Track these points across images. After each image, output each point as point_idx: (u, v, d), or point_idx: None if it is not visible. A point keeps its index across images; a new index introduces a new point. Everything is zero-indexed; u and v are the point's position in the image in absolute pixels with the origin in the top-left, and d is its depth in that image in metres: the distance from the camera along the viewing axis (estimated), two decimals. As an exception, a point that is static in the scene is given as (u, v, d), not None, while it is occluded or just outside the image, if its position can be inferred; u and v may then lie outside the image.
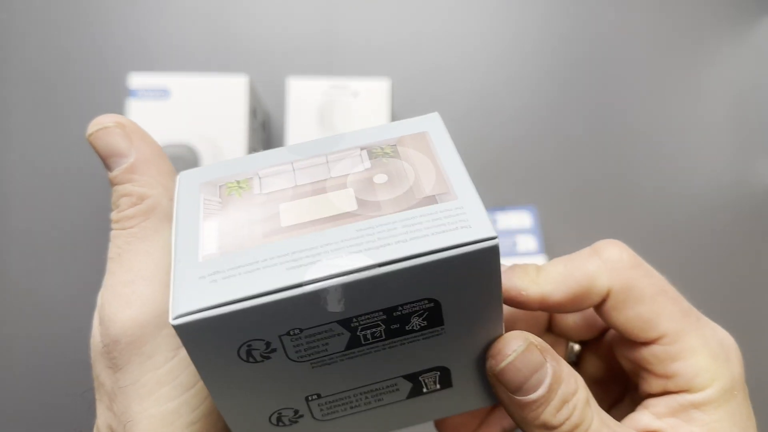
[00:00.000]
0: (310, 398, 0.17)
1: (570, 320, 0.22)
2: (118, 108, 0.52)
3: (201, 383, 0.18)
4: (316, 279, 0.14)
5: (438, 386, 0.18)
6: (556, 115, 0.54)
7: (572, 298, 0.19)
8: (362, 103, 0.46)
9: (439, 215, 0.15)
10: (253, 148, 0.46)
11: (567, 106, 0.55)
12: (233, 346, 0.15)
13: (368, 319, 0.15)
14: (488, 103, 0.54)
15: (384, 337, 0.16)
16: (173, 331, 0.17)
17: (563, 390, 0.18)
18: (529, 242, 0.48)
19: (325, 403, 0.18)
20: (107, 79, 0.53)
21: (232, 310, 0.14)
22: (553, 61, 0.55)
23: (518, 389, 0.17)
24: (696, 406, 0.18)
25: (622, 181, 0.54)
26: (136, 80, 0.44)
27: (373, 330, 0.16)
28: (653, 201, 0.53)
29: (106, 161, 0.19)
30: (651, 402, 0.19)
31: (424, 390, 0.18)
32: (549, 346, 0.18)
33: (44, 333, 0.50)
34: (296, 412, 0.17)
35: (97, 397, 0.19)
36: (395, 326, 0.16)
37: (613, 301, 0.19)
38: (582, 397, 0.18)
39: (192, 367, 0.18)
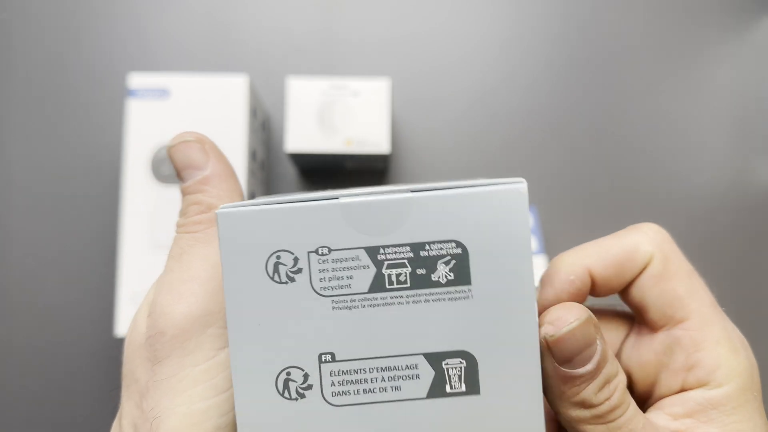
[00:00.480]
0: (323, 358, 0.17)
1: None
2: (118, 108, 0.52)
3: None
4: (350, 194, 0.16)
5: (463, 387, 0.17)
6: (555, 114, 0.54)
7: (616, 266, 0.19)
8: (362, 102, 0.46)
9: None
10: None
11: (567, 105, 0.55)
12: (264, 253, 0.16)
13: (395, 253, 0.16)
14: (488, 102, 0.54)
15: (409, 285, 0.16)
16: (218, 331, 0.18)
17: (607, 370, 0.17)
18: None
19: (338, 372, 0.17)
20: (107, 78, 0.53)
21: (269, 209, 0.16)
22: (553, 60, 0.55)
23: (568, 361, 0.17)
24: (714, 405, 0.18)
25: (621, 180, 0.54)
26: (136, 80, 0.44)
27: (399, 271, 0.16)
28: (653, 200, 0.53)
29: (180, 172, 0.20)
30: (666, 402, 0.19)
31: (448, 389, 0.17)
32: (599, 324, 0.18)
33: (44, 333, 0.50)
34: (306, 377, 0.17)
35: (126, 394, 0.19)
36: (421, 272, 0.16)
37: (651, 271, 0.19)
38: (623, 380, 0.18)
39: (228, 371, 0.18)
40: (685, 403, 0.19)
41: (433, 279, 0.16)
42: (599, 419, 0.17)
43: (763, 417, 0.19)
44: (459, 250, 0.16)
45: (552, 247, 0.50)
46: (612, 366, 0.18)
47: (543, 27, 0.56)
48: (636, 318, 0.21)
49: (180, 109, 0.44)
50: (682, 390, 0.19)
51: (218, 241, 0.16)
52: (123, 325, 0.42)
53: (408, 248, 0.16)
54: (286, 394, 0.17)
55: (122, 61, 0.54)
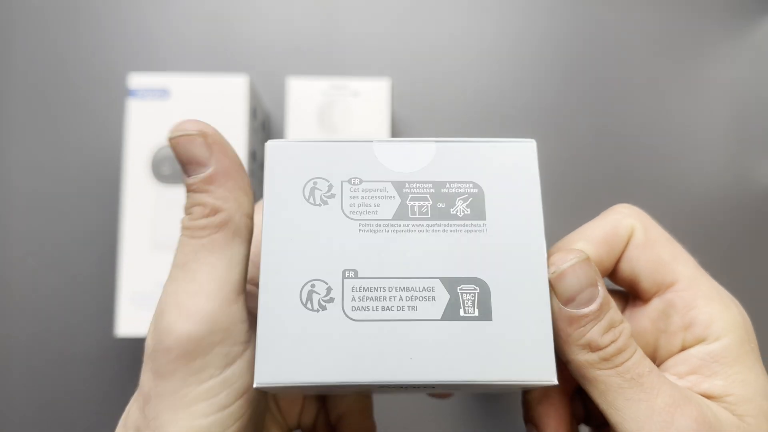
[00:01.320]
0: (346, 274, 0.18)
1: None
2: (118, 108, 0.52)
3: (237, 404, 0.18)
4: (383, 140, 0.18)
5: (476, 312, 0.18)
6: (555, 114, 0.55)
7: (605, 244, 0.20)
8: (363, 102, 0.46)
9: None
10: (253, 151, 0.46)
11: (567, 105, 0.55)
12: (302, 179, 0.18)
13: (419, 188, 0.18)
14: (488, 101, 0.54)
15: (429, 216, 0.18)
16: (224, 350, 0.18)
17: (611, 315, 0.18)
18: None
19: (360, 288, 0.17)
20: (107, 78, 0.53)
21: (312, 143, 0.18)
22: (553, 60, 0.55)
23: (571, 300, 0.18)
24: (715, 358, 0.19)
25: (621, 180, 0.54)
26: (136, 80, 0.44)
27: (421, 203, 0.18)
28: (653, 200, 0.53)
29: (184, 167, 0.19)
30: (669, 364, 0.20)
31: (461, 313, 0.18)
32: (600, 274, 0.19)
33: (44, 333, 0.50)
34: (329, 291, 0.18)
35: (135, 395, 0.19)
36: (441, 205, 0.18)
37: (636, 241, 0.20)
38: (627, 327, 0.18)
39: (232, 387, 0.18)
40: (688, 361, 0.19)
41: (451, 212, 0.18)
42: (607, 362, 0.18)
43: (763, 367, 0.19)
44: (476, 190, 0.18)
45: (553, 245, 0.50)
46: (616, 313, 0.18)
47: (543, 27, 0.56)
48: (630, 294, 0.22)
49: (180, 109, 0.44)
50: (683, 349, 0.19)
51: (265, 171, 0.18)
52: (123, 325, 0.42)
53: (430, 185, 0.18)
54: (309, 305, 0.17)
55: (122, 61, 0.54)
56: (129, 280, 0.42)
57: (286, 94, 0.46)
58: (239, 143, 0.44)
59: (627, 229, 0.20)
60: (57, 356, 0.50)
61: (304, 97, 0.46)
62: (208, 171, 0.19)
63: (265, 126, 0.52)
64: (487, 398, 0.49)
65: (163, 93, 0.44)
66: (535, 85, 0.55)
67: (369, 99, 0.46)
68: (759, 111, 0.55)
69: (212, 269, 0.18)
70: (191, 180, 0.19)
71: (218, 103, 0.44)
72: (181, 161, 0.19)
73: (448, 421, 0.50)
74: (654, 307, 0.20)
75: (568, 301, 0.18)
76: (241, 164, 0.19)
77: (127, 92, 0.44)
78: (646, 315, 0.20)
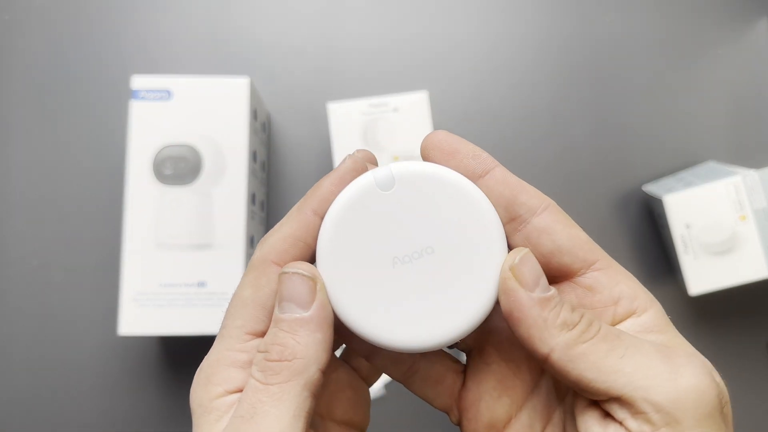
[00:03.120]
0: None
1: None
2: (121, 109, 0.52)
3: None
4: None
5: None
6: (556, 115, 0.55)
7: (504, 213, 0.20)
8: (403, 117, 0.46)
9: None
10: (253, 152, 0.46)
11: (568, 107, 0.55)
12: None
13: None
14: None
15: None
16: None
17: (566, 298, 0.20)
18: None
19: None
20: (109, 80, 0.54)
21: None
22: (556, 63, 0.56)
23: (536, 284, 0.19)
24: (648, 328, 0.20)
25: (622, 180, 0.54)
26: (138, 82, 0.44)
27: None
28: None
29: (281, 302, 0.19)
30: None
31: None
32: None
33: (48, 332, 0.51)
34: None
35: None
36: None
37: (553, 218, 0.20)
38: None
39: None
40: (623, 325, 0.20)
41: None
42: (587, 333, 0.18)
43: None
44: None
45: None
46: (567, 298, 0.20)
47: (548, 32, 0.56)
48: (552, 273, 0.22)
49: (182, 111, 0.44)
50: (614, 324, 0.20)
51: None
52: (126, 324, 0.42)
53: None
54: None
55: (125, 63, 0.54)
56: (131, 279, 0.42)
57: (328, 120, 0.46)
58: (240, 144, 0.44)
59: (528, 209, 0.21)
60: (59, 355, 0.50)
61: (345, 120, 0.46)
62: (304, 315, 0.19)
63: (265, 127, 0.52)
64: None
65: (165, 94, 0.44)
66: (536, 87, 0.55)
67: (410, 113, 0.46)
68: (759, 111, 0.55)
69: (277, 422, 0.18)
70: (284, 317, 0.19)
71: (220, 105, 0.44)
72: (282, 296, 0.19)
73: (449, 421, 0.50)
74: (580, 283, 0.20)
75: (534, 286, 0.19)
76: (330, 320, 0.20)
77: (130, 94, 0.44)
78: (573, 292, 0.21)
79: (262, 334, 0.20)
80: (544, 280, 0.19)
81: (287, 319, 0.19)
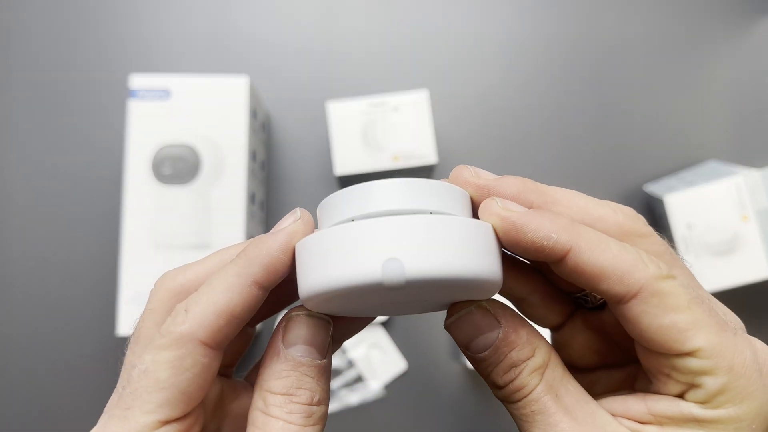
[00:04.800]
0: None
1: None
2: (120, 108, 0.52)
3: None
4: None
5: None
6: (556, 114, 0.55)
7: (599, 277, 0.17)
8: (403, 116, 0.46)
9: None
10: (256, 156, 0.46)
11: (568, 107, 0.55)
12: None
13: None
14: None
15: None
16: None
17: (515, 355, 0.18)
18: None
19: None
20: (108, 79, 0.54)
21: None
22: (557, 63, 0.55)
23: (466, 347, 0.19)
24: (700, 422, 0.17)
25: (622, 179, 0.54)
26: (137, 81, 0.44)
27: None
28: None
29: (294, 343, 0.19)
30: (653, 397, 0.19)
31: None
32: (514, 312, 0.19)
33: (46, 332, 0.50)
34: None
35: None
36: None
37: (642, 304, 0.17)
38: (533, 364, 0.18)
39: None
40: (672, 406, 0.18)
41: None
42: (506, 399, 0.19)
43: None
44: None
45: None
46: (521, 352, 0.18)
47: (550, 31, 0.56)
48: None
49: (181, 110, 0.44)
50: (676, 396, 0.18)
51: None
52: (124, 324, 0.42)
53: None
54: None
55: (123, 62, 0.54)
56: (130, 279, 0.42)
57: (327, 119, 0.46)
58: (240, 144, 0.44)
59: (634, 285, 0.17)
60: (58, 355, 0.50)
61: (345, 119, 0.46)
62: (320, 362, 0.19)
63: (265, 127, 0.52)
64: (487, 398, 0.49)
65: (163, 93, 0.44)
66: (537, 87, 0.55)
67: (409, 111, 0.46)
68: (759, 111, 0.55)
69: None
70: (304, 361, 0.18)
71: (219, 104, 0.44)
72: (301, 338, 0.19)
73: (448, 421, 0.50)
74: (667, 360, 0.18)
75: (464, 347, 0.19)
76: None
77: (128, 93, 0.44)
78: (653, 359, 0.19)
79: (174, 421, 0.18)
80: (483, 339, 0.19)
81: (309, 364, 0.18)
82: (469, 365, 0.46)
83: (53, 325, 0.50)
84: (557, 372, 0.19)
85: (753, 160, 0.54)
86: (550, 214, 0.18)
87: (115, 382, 0.20)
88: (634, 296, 0.17)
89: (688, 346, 0.17)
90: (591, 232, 0.18)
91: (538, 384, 0.18)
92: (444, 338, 0.51)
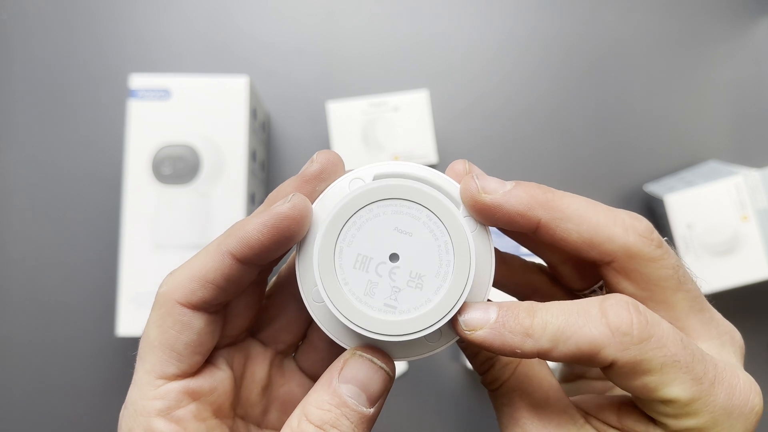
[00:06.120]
0: None
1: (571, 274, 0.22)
2: (120, 108, 0.52)
3: None
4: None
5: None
6: (556, 114, 0.55)
7: (571, 360, 0.18)
8: (403, 116, 0.46)
9: None
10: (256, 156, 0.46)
11: (568, 106, 0.55)
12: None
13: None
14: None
15: None
16: None
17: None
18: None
19: None
20: (108, 79, 0.54)
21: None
22: (557, 62, 0.55)
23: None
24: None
25: (623, 179, 0.54)
26: (137, 81, 0.44)
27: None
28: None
29: (347, 382, 0.19)
30: (627, 409, 0.19)
31: None
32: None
33: (46, 333, 0.50)
34: None
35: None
36: None
37: (617, 372, 0.17)
38: (505, 359, 0.20)
39: None
40: (639, 420, 0.19)
41: None
42: (486, 386, 0.21)
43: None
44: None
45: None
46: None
47: (551, 32, 0.56)
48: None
49: (181, 110, 0.44)
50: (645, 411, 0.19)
51: None
52: (124, 324, 0.42)
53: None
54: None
55: (123, 62, 0.54)
56: (130, 279, 0.42)
57: (327, 118, 0.46)
58: (240, 144, 0.44)
59: (604, 360, 0.17)
60: (58, 355, 0.50)
61: (345, 119, 0.46)
62: (368, 412, 0.18)
63: (265, 127, 0.52)
64: (487, 398, 0.49)
65: (163, 93, 0.44)
66: (537, 87, 0.55)
67: (409, 112, 0.46)
68: (759, 111, 0.55)
69: None
70: (351, 404, 0.18)
71: (219, 104, 0.44)
72: (355, 379, 0.19)
73: (449, 421, 0.50)
74: (642, 401, 0.19)
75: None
76: None
77: (128, 93, 0.44)
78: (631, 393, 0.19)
79: (174, 377, 0.19)
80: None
81: (354, 409, 0.18)
82: (469, 365, 0.46)
83: (53, 324, 0.50)
84: (532, 368, 0.19)
85: (753, 160, 0.54)
86: (519, 197, 0.19)
87: (116, 381, 0.20)
88: (610, 366, 0.17)
89: (665, 397, 0.17)
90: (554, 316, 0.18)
91: (509, 378, 0.19)
92: (444, 338, 0.51)
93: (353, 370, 0.19)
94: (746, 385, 0.18)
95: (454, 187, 0.19)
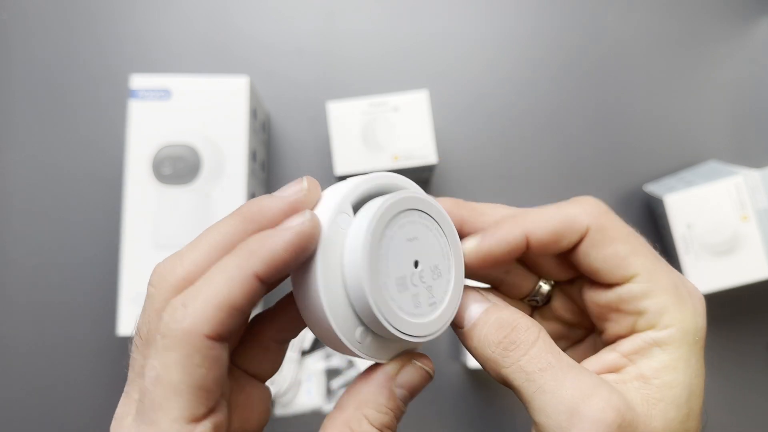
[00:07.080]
0: None
1: (546, 260, 0.24)
2: (120, 108, 0.52)
3: None
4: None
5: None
6: (556, 114, 0.55)
7: (553, 235, 0.21)
8: (403, 116, 0.46)
9: None
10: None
11: (568, 107, 0.55)
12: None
13: None
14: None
15: None
16: None
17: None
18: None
19: None
20: (109, 80, 0.54)
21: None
22: (557, 63, 0.55)
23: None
24: (658, 343, 0.20)
25: (622, 179, 0.54)
26: (138, 81, 0.44)
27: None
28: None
29: (401, 387, 0.21)
30: (618, 343, 0.21)
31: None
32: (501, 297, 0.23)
33: (47, 332, 0.50)
34: None
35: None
36: None
37: (590, 240, 0.21)
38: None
39: None
40: (634, 342, 0.21)
41: None
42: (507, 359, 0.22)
43: (701, 364, 0.20)
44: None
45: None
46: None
47: (551, 32, 0.56)
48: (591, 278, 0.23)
49: (181, 110, 0.44)
50: (632, 332, 0.21)
51: None
52: (125, 324, 0.42)
53: None
54: None
55: (124, 62, 0.54)
56: (130, 279, 0.42)
57: (327, 118, 0.46)
58: (240, 144, 0.44)
59: (581, 228, 0.21)
60: (58, 355, 0.50)
61: (345, 119, 0.46)
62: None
63: (265, 127, 0.52)
64: (487, 398, 0.49)
65: (164, 93, 0.44)
66: (537, 87, 0.55)
67: (410, 112, 0.46)
68: (759, 111, 0.55)
69: None
70: (404, 411, 0.21)
71: (219, 104, 0.44)
72: (409, 386, 0.21)
73: (449, 421, 0.50)
74: (614, 293, 0.21)
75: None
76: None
77: (129, 93, 0.44)
78: (605, 297, 0.21)
79: (203, 417, 0.18)
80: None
81: (402, 409, 0.21)
82: (469, 365, 0.46)
83: (53, 324, 0.50)
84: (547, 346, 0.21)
85: (753, 160, 0.54)
86: (498, 227, 0.22)
87: (116, 381, 0.20)
88: (584, 236, 0.21)
89: (630, 271, 0.20)
90: (533, 213, 0.22)
91: (533, 345, 0.20)
92: (444, 338, 0.51)
93: (408, 375, 0.21)
94: (678, 273, 0.22)
95: (410, 183, 0.22)
